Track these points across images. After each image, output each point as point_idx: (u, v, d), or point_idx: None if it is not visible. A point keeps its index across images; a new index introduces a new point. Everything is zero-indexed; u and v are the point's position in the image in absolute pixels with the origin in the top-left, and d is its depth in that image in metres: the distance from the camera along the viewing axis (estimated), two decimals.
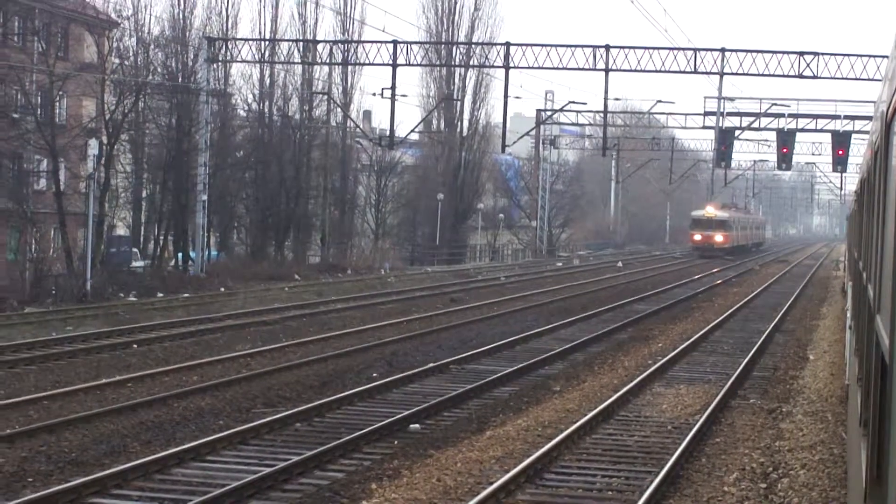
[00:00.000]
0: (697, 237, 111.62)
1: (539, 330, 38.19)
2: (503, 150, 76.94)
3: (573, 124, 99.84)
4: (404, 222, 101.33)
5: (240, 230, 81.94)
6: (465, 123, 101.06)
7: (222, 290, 53.58)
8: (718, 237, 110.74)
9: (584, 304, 49.00)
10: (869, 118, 66.73)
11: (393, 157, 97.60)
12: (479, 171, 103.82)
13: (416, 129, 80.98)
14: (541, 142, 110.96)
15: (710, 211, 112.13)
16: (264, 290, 53.15)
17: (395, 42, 63.96)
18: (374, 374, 27.45)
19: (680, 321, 43.66)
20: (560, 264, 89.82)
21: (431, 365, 28.62)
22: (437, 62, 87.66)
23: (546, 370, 29.50)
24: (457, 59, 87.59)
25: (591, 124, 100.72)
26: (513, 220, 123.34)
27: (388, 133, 70.46)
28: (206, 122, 65.18)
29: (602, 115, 72.78)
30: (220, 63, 69.73)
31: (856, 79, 59.89)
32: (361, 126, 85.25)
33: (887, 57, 10.12)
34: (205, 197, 64.78)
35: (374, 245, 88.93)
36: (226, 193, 73.53)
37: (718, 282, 68.06)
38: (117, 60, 65.03)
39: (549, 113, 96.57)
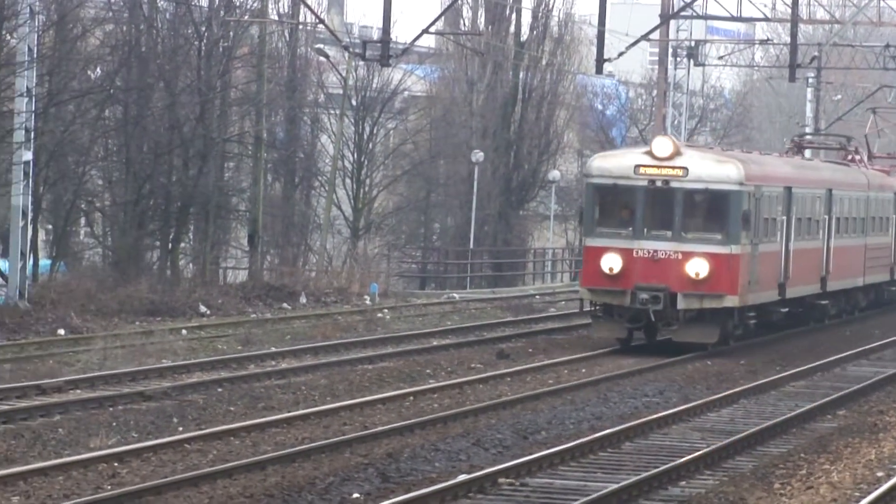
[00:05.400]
0: (609, 262, 33.58)
1: (667, 413, 28.09)
2: (599, 70, 50.44)
3: (732, 18, 64.42)
4: (408, 207, 68.55)
5: (94, 220, 53.55)
6: (526, 19, 67.27)
7: (62, 332, 40.77)
8: (697, 265, 33.40)
9: (752, 365, 36.57)
10: None
11: (387, 82, 65.19)
12: (553, 108, 69.48)
13: (431, 30, 52.16)
14: (669, 53, 68.41)
15: (666, 150, 33.56)
16: (142, 335, 40.61)
17: None
18: (355, 497, 20.23)
19: None
20: None
21: (462, 479, 20.64)
22: None
23: (682, 491, 21.30)
24: None
25: (766, 19, 65.34)
26: None
27: (377, 36, 46.42)
28: (30, 9, 43.49)
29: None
30: None
31: None
32: (327, 21, 54.04)
33: None
34: (28, 155, 45.18)
35: (350, 250, 60.41)
36: (68, 149, 50.11)
37: None
38: None
39: None
